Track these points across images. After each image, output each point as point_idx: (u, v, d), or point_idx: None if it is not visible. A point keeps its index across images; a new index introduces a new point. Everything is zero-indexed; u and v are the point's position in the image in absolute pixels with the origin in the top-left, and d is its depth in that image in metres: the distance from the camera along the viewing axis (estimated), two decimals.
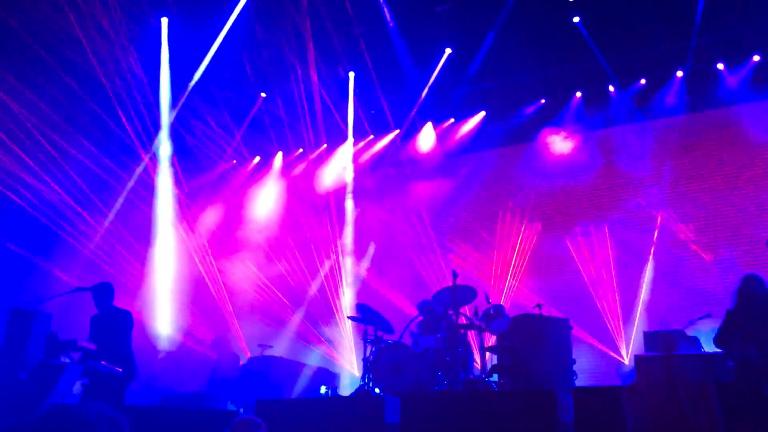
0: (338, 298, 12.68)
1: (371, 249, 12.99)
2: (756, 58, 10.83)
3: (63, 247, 11.70)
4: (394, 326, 8.52)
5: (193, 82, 11.92)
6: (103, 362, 6.61)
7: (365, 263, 12.99)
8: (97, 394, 6.52)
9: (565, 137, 12.03)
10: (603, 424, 4.38)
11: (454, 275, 7.68)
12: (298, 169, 14.08)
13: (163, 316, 11.64)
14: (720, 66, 11.10)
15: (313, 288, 12.88)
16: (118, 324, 7.23)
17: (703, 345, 8.26)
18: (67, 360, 6.53)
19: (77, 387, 6.54)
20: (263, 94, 13.01)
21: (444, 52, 11.92)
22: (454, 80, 12.37)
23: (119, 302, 7.53)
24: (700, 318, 8.75)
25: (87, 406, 1.45)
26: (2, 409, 5.89)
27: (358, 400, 6.36)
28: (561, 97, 12.31)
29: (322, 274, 12.90)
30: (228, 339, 12.04)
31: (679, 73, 11.35)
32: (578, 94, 12.18)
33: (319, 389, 9.86)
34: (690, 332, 8.54)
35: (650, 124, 11.52)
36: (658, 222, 11.05)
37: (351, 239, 13.15)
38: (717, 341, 6.56)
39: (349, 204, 13.37)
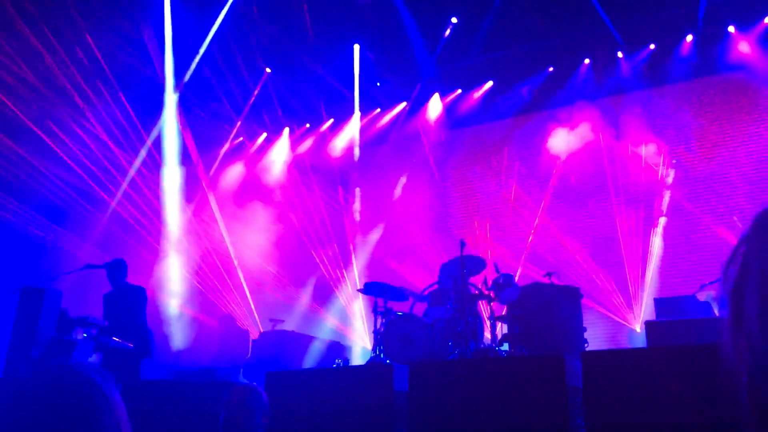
0: (349, 271, 12.69)
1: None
2: (767, 20, 10.66)
3: (75, 225, 11.78)
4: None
5: (196, 60, 11.86)
6: (114, 338, 6.67)
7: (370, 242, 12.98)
8: (111, 369, 6.57)
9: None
10: (611, 387, 4.36)
11: (462, 245, 7.64)
12: (306, 144, 14.02)
13: (174, 288, 11.74)
14: (731, 29, 10.93)
15: (324, 262, 12.90)
16: (131, 300, 7.28)
17: (715, 309, 8.21)
18: (79, 336, 6.58)
19: (92, 361, 6.61)
20: (268, 70, 12.91)
21: (450, 21, 11.78)
22: (461, 50, 12.22)
23: (132, 279, 7.59)
24: (712, 282, 8.69)
25: (79, 362, 1.43)
26: None
27: (366, 368, 6.36)
28: (569, 65, 12.14)
29: (333, 248, 12.93)
30: (235, 315, 12.11)
31: (689, 38, 11.18)
32: (586, 61, 12.03)
33: (332, 362, 9.89)
34: (702, 297, 8.48)
35: (660, 89, 11.36)
36: (669, 184, 10.94)
37: (359, 213, 13.14)
38: None
39: (357, 178, 13.36)
